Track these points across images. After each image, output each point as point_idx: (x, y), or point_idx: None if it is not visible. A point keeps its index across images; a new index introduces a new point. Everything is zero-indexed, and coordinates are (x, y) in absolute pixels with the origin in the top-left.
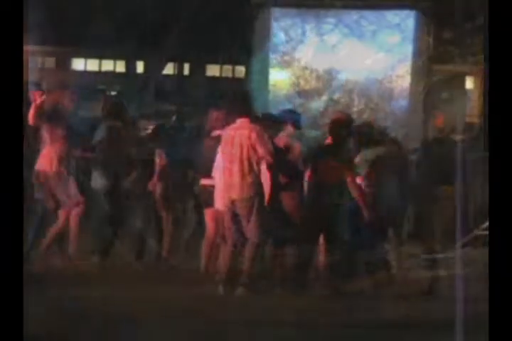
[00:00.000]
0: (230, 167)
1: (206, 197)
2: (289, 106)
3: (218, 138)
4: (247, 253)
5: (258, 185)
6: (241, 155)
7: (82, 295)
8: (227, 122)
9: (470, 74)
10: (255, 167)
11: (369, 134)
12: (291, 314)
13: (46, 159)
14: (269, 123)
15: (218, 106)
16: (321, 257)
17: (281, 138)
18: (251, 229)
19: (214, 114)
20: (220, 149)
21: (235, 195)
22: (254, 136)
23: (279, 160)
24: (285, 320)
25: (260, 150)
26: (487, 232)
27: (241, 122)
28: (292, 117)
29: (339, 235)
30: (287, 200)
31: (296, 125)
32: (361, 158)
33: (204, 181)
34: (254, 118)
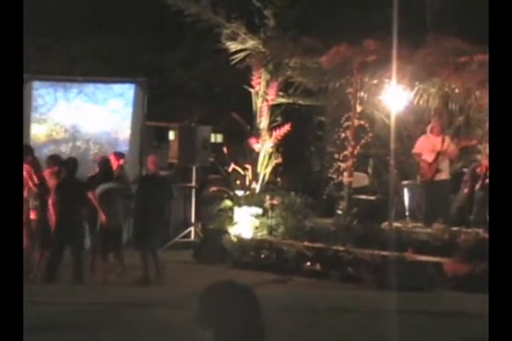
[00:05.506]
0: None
1: None
2: (45, 151)
3: None
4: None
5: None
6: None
7: None
8: None
9: (172, 128)
10: (29, 195)
11: (106, 175)
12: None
13: None
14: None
15: None
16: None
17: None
18: (26, 237)
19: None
20: None
21: None
22: (25, 174)
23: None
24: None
25: (30, 183)
26: (184, 240)
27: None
28: (59, 160)
29: (78, 241)
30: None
31: (70, 164)
32: (99, 189)
33: None
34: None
